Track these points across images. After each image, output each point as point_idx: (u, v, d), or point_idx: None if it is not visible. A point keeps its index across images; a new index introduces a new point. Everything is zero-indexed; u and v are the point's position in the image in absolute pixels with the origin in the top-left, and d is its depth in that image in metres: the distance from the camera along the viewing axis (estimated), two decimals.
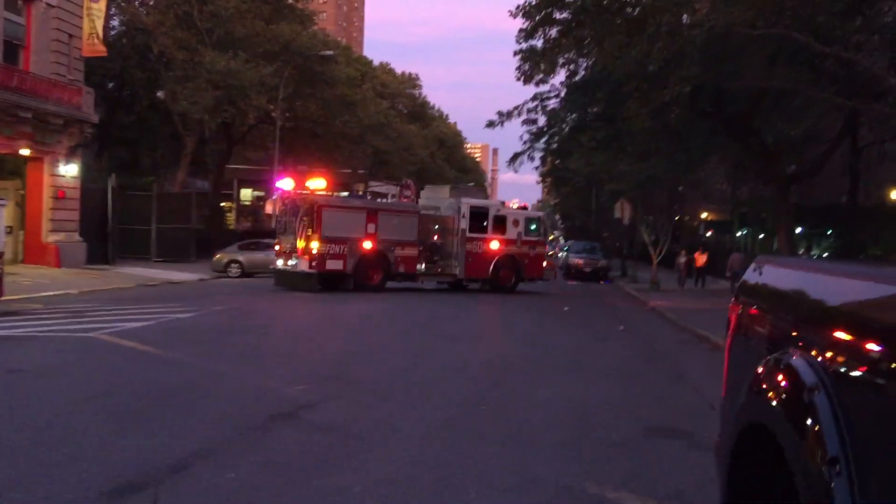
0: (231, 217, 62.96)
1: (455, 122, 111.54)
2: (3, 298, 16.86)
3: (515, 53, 29.18)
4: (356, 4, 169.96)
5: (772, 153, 33.51)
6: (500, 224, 26.71)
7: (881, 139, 42.06)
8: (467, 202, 26.46)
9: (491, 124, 36.07)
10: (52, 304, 18.07)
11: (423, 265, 25.76)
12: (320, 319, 16.84)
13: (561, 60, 30.27)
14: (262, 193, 66.75)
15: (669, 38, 19.92)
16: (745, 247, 48.93)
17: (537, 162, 46.17)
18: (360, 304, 20.54)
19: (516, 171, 63.84)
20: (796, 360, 2.17)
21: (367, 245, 23.97)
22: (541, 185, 75.52)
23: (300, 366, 10.58)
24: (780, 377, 2.21)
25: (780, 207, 32.72)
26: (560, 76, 39.25)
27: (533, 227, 27.66)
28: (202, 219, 43.62)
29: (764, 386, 2.31)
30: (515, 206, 28.32)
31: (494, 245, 26.40)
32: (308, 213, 23.33)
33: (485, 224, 26.38)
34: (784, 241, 32.53)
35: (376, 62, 77.84)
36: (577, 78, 34.39)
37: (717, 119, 30.86)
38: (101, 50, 31.19)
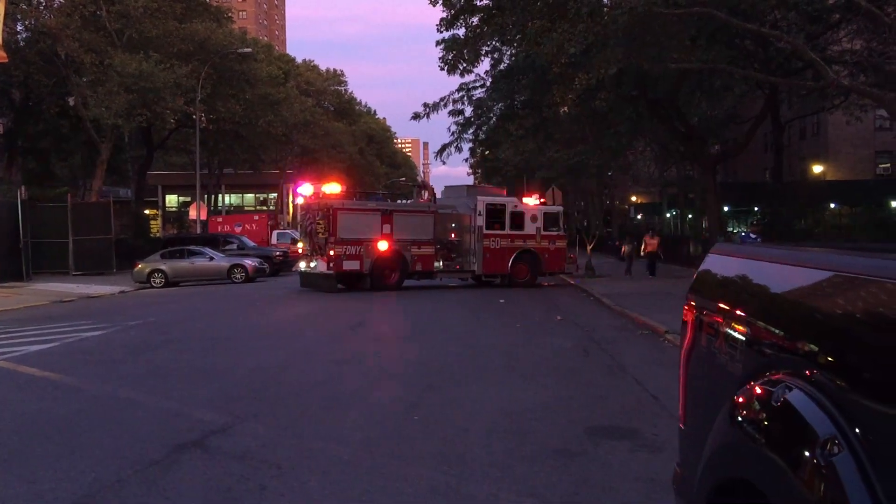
0: (156, 225, 60.98)
1: (384, 118, 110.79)
2: None
3: (438, 43, 28.62)
4: (276, 2, 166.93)
5: (696, 134, 33.70)
6: (518, 220, 26.96)
7: (801, 115, 42.93)
8: (483, 200, 26.88)
9: (417, 116, 35.56)
10: None
11: (441, 263, 26.26)
12: (244, 327, 15.93)
13: (484, 49, 29.85)
14: (187, 199, 65.00)
15: (591, 20, 19.56)
16: (674, 227, 49.40)
17: (467, 153, 45.82)
18: (299, 307, 19.69)
19: (444, 163, 63.59)
20: (796, 394, 1.56)
21: (383, 245, 24.74)
22: (472, 176, 75.14)
23: (214, 383, 9.74)
24: (771, 419, 1.60)
25: (706, 187, 32.93)
26: (485, 65, 38.89)
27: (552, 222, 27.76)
28: (124, 228, 41.91)
29: (747, 430, 1.69)
30: (534, 203, 28.28)
31: (511, 241, 26.73)
32: (324, 216, 24.26)
33: (502, 221, 26.73)
34: (713, 221, 32.73)
35: (300, 60, 76.38)
36: (502, 66, 34.06)
37: (641, 102, 30.82)
38: (2, 57, 29.42)
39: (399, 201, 28.54)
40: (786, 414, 1.57)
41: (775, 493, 1.53)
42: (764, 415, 1.69)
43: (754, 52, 27.55)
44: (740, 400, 1.86)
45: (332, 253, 23.93)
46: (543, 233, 27.25)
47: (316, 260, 24.63)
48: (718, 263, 2.54)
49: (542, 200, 28.99)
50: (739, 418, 1.82)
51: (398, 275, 25.17)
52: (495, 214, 26.71)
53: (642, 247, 30.21)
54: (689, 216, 46.09)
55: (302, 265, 25.68)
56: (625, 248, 30.65)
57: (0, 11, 28.97)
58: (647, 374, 10.25)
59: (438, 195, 30.17)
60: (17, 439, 7.06)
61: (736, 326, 2.21)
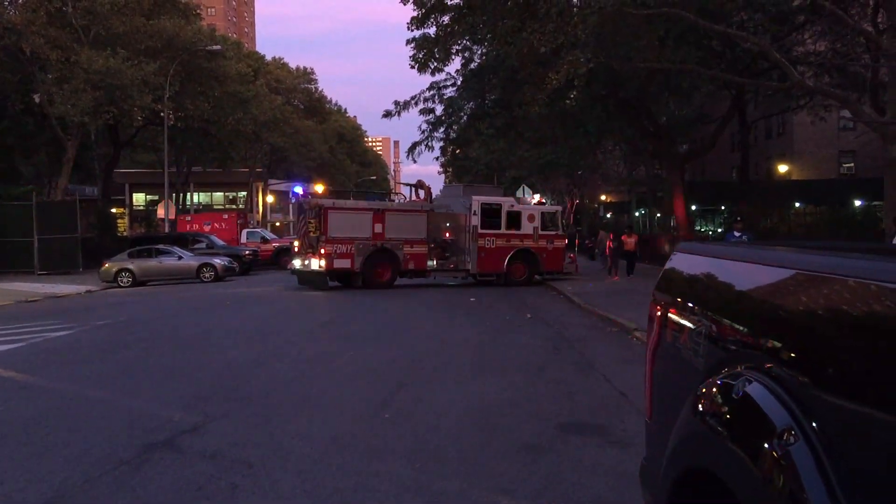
0: (123, 223, 60.27)
1: (354, 116, 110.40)
2: None
3: (408, 42, 28.61)
4: None
5: (665, 133, 34.09)
6: (515, 219, 27.09)
7: (767, 114, 43.55)
8: (478, 199, 26.92)
9: (388, 114, 35.48)
10: None
11: (435, 262, 26.46)
12: (214, 326, 15.82)
13: (455, 48, 29.89)
14: (155, 197, 64.30)
15: (560, 19, 19.68)
16: (642, 226, 49.78)
17: (437, 152, 45.85)
18: (270, 305, 19.60)
19: (415, 162, 63.57)
20: (755, 387, 1.62)
21: (374, 244, 25.05)
22: (443, 174, 75.16)
23: (184, 382, 9.68)
24: (731, 411, 1.66)
25: (675, 186, 33.30)
26: (456, 64, 38.98)
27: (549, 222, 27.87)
28: (91, 227, 41.37)
29: (708, 421, 1.75)
30: (534, 202, 28.48)
31: (508, 240, 26.90)
32: (315, 215, 24.66)
33: (498, 220, 26.87)
34: (681, 219, 33.10)
35: (269, 57, 75.81)
36: (473, 65, 34.14)
37: (611, 102, 31.08)
38: None
39: (395, 200, 28.46)
40: (745, 406, 1.63)
41: (736, 482, 1.58)
42: (725, 407, 1.75)
43: (722, 52, 27.91)
44: (703, 392, 1.92)
45: (323, 251, 24.35)
46: (541, 232, 27.38)
47: (309, 258, 25.00)
48: (685, 262, 2.61)
49: (540, 200, 29.29)
50: (702, 410, 1.88)
51: (390, 273, 25.48)
52: (491, 213, 26.84)
53: (609, 246, 30.10)
54: (658, 215, 46.53)
55: (297, 263, 26.06)
56: (609, 244, 29.78)
57: None
58: (616, 371, 10.37)
59: (437, 194, 30.26)
60: None
61: (700, 322, 2.27)
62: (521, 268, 27.16)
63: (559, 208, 29.67)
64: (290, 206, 30.96)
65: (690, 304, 2.43)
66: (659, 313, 2.65)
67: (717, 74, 26.51)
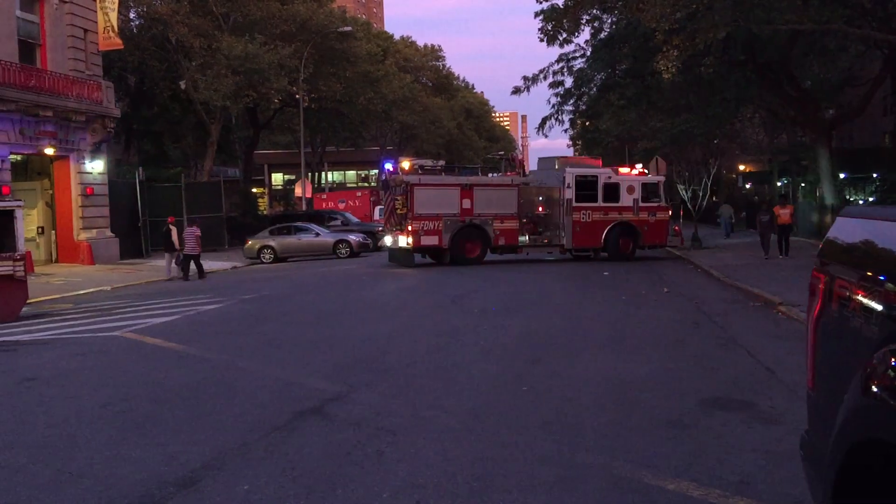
0: (263, 202, 62.90)
1: (482, 92, 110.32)
2: (31, 301, 16.65)
3: (536, 14, 28.25)
4: None
5: (809, 98, 32.25)
6: (612, 192, 26.24)
7: None
8: (571, 172, 26.28)
9: (517, 90, 35.21)
10: (82, 303, 17.86)
11: (527, 237, 25.96)
12: (351, 301, 16.31)
13: (584, 18, 29.27)
14: (292, 177, 66.75)
15: None
16: (787, 196, 47.45)
17: (567, 125, 45.22)
18: (402, 280, 20.03)
19: (546, 136, 63.04)
20: None
21: (462, 220, 24.67)
22: (572, 148, 74.14)
23: (327, 354, 10.06)
24: None
25: (821, 154, 31.51)
26: (585, 34, 38.05)
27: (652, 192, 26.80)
28: (233, 206, 43.45)
29: (882, 392, 1.66)
30: (635, 173, 27.31)
31: (605, 213, 26.11)
32: (402, 192, 24.41)
33: (594, 193, 26.09)
34: (828, 188, 31.35)
35: (397, 37, 76.87)
36: (603, 35, 33.35)
37: (750, 67, 29.67)
38: (118, 43, 30.85)
39: (491, 175, 27.78)
40: None
41: None
42: None
43: (871, 9, 26.04)
44: (877, 362, 1.82)
45: (410, 228, 24.17)
46: (642, 204, 26.33)
47: (397, 235, 24.94)
48: (851, 227, 2.47)
49: (641, 171, 27.86)
50: (875, 381, 1.79)
51: (479, 249, 25.05)
52: (586, 186, 25.98)
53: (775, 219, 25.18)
54: (802, 185, 44.20)
55: (388, 240, 25.91)
56: (760, 220, 25.84)
57: (114, 0, 30.34)
58: (761, 346, 9.99)
59: (534, 167, 29.63)
60: (147, 406, 7.50)
61: (872, 290, 2.15)
62: (620, 242, 26.08)
63: (661, 178, 28.00)
64: (380, 181, 30.87)
65: (860, 271, 2.30)
66: (823, 282, 2.53)
67: (867, 33, 24.79)
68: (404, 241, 24.45)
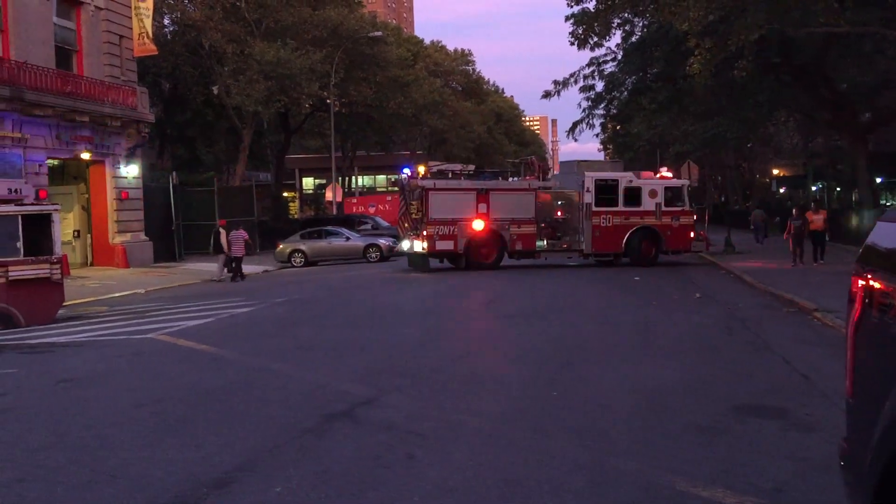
0: (294, 207, 63.35)
1: (511, 96, 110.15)
2: (67, 303, 16.92)
3: (567, 18, 28.24)
4: None
5: (845, 101, 31.79)
6: (634, 196, 25.56)
7: None
8: (591, 175, 25.73)
9: (547, 94, 35.23)
10: (116, 306, 18.11)
11: (545, 242, 25.59)
12: (381, 305, 16.37)
13: (616, 21, 29.17)
14: (323, 181, 67.17)
15: None
16: (821, 201, 46.83)
17: (598, 129, 45.06)
18: (432, 285, 20.06)
19: (576, 140, 62.67)
20: None
21: (478, 225, 24.42)
22: (602, 152, 73.80)
23: (357, 357, 10.11)
24: None
25: (857, 157, 31.05)
26: (616, 38, 37.83)
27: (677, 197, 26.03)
28: (265, 210, 43.78)
29: None
30: (658, 177, 26.74)
31: (626, 218, 25.43)
32: (417, 197, 24.45)
33: (615, 197, 25.48)
34: (864, 193, 30.91)
35: (427, 41, 77.05)
36: (634, 38, 33.20)
37: (784, 70, 29.36)
38: (152, 49, 31.26)
39: (511, 179, 27.27)
40: None
41: None
42: None
43: None
44: None
45: (425, 233, 24.01)
46: (664, 209, 25.57)
47: (413, 240, 24.82)
48: (888, 233, 2.43)
49: (662, 175, 27.17)
50: None
51: (495, 254, 24.70)
52: (606, 190, 25.33)
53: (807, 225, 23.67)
54: (838, 189, 43.58)
55: (406, 245, 25.71)
56: (791, 227, 23.77)
57: (149, 7, 30.79)
58: (796, 352, 9.85)
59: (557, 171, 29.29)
60: (182, 407, 7.59)
61: None
62: (642, 247, 25.33)
63: (685, 182, 27.14)
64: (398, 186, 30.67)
65: None
66: (862, 288, 2.49)
67: None
68: (420, 245, 24.37)
